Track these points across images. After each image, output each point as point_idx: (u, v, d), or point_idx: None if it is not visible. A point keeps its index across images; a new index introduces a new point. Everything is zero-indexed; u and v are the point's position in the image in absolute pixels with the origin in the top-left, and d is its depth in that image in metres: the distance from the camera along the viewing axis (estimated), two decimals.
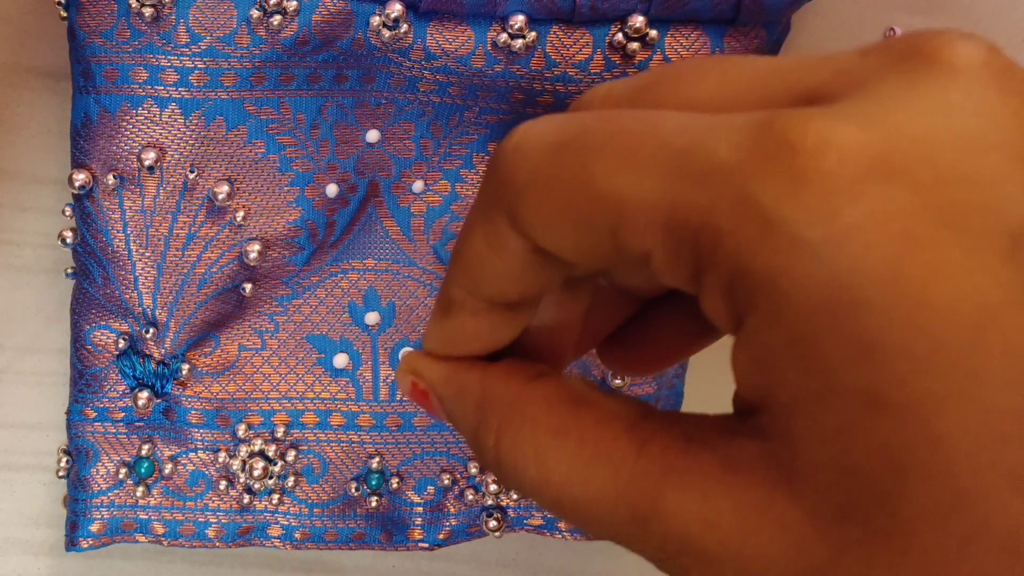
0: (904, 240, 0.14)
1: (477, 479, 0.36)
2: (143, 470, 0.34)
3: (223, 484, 0.35)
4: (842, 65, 0.17)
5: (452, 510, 0.36)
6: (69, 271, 0.35)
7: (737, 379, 0.17)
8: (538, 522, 0.36)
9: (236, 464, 0.35)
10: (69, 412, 0.35)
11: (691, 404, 0.39)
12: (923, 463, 0.14)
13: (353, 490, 0.35)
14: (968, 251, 0.14)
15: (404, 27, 0.32)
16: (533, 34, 0.32)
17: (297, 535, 0.35)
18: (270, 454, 0.35)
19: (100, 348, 0.34)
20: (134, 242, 0.33)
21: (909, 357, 0.14)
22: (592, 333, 0.23)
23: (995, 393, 0.14)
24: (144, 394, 0.34)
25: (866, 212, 0.14)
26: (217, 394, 0.35)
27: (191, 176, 0.33)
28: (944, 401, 0.14)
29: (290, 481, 0.35)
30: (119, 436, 0.35)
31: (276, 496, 0.35)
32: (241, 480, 0.35)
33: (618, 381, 0.35)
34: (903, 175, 0.14)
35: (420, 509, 0.36)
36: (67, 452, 0.35)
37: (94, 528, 0.34)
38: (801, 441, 0.15)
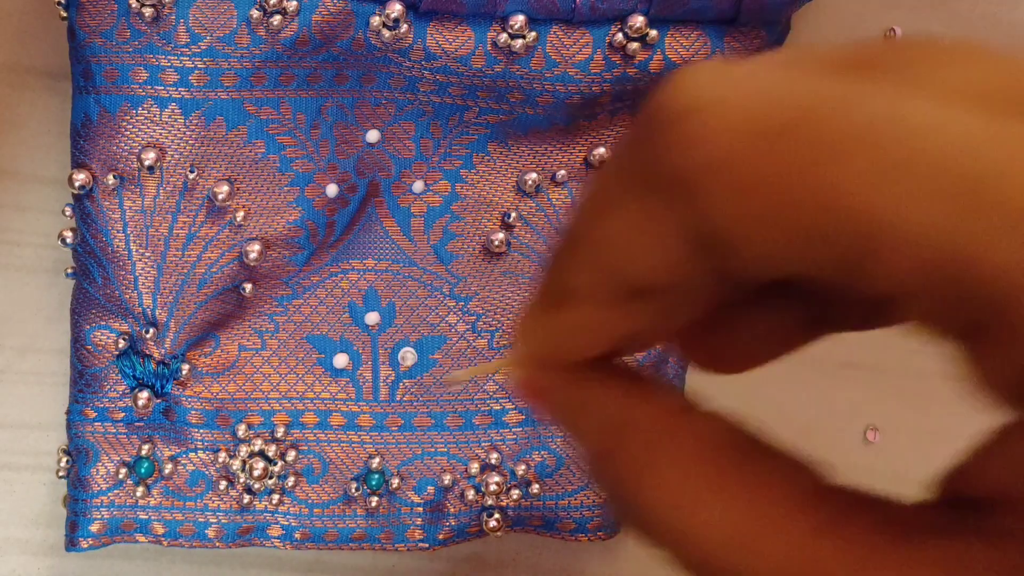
0: None
1: (477, 479, 0.36)
2: (143, 470, 0.34)
3: (223, 484, 0.35)
4: None
5: (452, 510, 0.36)
6: (69, 271, 0.35)
7: (974, 464, 0.14)
8: (538, 522, 0.36)
9: (236, 464, 0.35)
10: (69, 412, 0.35)
11: None
12: None
13: (353, 490, 0.35)
14: None
15: (404, 27, 0.32)
16: (533, 34, 0.32)
17: (297, 535, 0.35)
18: (270, 454, 0.35)
19: (100, 348, 0.34)
20: (134, 242, 0.33)
21: None
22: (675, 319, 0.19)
23: None
24: (144, 394, 0.34)
25: None
26: (217, 394, 0.35)
27: (191, 176, 0.33)
28: None
29: (290, 481, 0.35)
30: (119, 436, 0.35)
31: (276, 496, 0.35)
32: (241, 480, 0.35)
33: None
34: None
35: (420, 509, 0.36)
36: (67, 452, 0.35)
37: (94, 528, 0.34)
38: None
